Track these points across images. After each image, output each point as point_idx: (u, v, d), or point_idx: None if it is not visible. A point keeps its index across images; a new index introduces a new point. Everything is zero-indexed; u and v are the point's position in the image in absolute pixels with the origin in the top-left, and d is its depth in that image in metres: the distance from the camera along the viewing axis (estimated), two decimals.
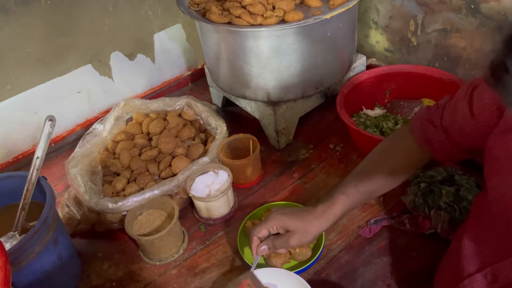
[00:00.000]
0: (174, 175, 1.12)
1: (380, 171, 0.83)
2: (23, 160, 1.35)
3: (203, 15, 1.15)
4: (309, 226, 0.82)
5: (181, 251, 1.03)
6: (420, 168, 0.86)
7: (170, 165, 1.15)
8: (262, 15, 1.09)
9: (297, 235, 0.81)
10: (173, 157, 1.17)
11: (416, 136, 0.81)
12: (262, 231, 0.85)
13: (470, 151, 0.76)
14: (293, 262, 0.95)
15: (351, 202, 0.82)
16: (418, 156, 0.83)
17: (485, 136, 0.68)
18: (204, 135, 1.27)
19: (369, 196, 0.85)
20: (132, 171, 1.16)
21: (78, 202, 1.07)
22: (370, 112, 1.31)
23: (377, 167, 0.84)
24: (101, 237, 1.09)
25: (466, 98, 0.71)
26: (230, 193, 1.09)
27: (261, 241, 0.86)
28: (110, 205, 1.02)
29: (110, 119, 1.24)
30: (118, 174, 1.17)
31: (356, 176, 0.84)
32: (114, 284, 0.99)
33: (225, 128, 1.20)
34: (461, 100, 0.72)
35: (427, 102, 1.27)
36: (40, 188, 0.92)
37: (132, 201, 1.02)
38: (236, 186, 1.16)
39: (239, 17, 1.09)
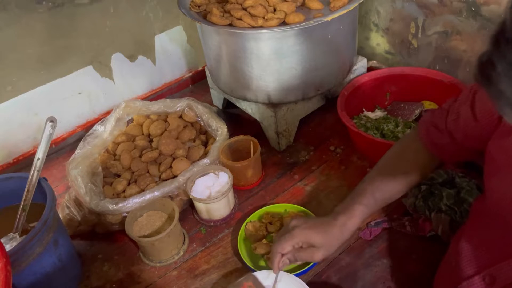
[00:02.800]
0: (174, 176, 1.12)
1: (393, 177, 0.83)
2: (24, 161, 1.35)
3: (204, 17, 1.16)
4: (334, 241, 0.80)
5: (181, 253, 1.03)
6: (432, 171, 0.86)
7: (170, 167, 1.15)
8: (263, 17, 1.09)
9: (323, 250, 0.79)
10: (174, 159, 1.17)
11: (423, 141, 0.82)
12: (287, 248, 0.80)
13: (476, 152, 0.77)
14: (293, 264, 0.95)
15: (369, 212, 0.82)
16: (428, 160, 0.84)
17: (488, 137, 0.69)
18: (205, 137, 1.27)
19: (385, 203, 0.85)
20: (133, 173, 1.16)
21: (78, 203, 1.07)
22: (370, 114, 1.31)
23: (390, 173, 0.84)
24: (101, 239, 1.09)
25: (468, 102, 0.72)
26: (231, 195, 1.09)
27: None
28: (111, 207, 1.02)
29: (111, 121, 1.24)
30: (118, 176, 1.17)
31: (371, 183, 0.84)
32: (114, 285, 0.99)
33: (225, 130, 1.20)
34: (464, 103, 0.73)
35: (428, 104, 1.27)
36: (41, 189, 0.92)
37: (133, 202, 1.02)
38: (237, 188, 1.16)
39: (240, 19, 1.09)
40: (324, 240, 0.79)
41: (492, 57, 0.38)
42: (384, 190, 0.83)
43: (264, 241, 0.99)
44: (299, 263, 0.84)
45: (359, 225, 0.81)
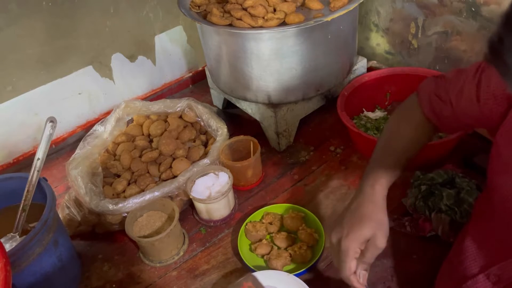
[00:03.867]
0: (174, 177, 1.12)
1: (401, 137, 0.82)
2: (24, 162, 1.35)
3: (204, 17, 1.16)
4: (379, 217, 0.73)
5: (181, 253, 1.03)
6: (430, 140, 0.85)
7: (170, 167, 1.15)
8: (263, 17, 1.09)
9: (378, 234, 0.71)
10: (174, 159, 1.17)
11: (424, 109, 0.81)
12: (353, 266, 0.72)
13: (475, 127, 0.77)
14: (293, 264, 0.95)
15: (391, 170, 0.77)
16: (425, 130, 0.83)
17: (486, 121, 0.69)
18: (205, 137, 1.27)
19: (402, 156, 0.81)
20: (133, 173, 1.16)
21: (78, 203, 1.07)
22: (370, 115, 1.31)
23: (396, 135, 0.83)
24: (101, 239, 1.09)
25: (475, 81, 0.70)
26: (231, 195, 1.09)
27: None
28: (111, 207, 1.02)
29: (111, 121, 1.24)
30: (118, 176, 1.17)
31: (381, 147, 0.83)
32: (114, 285, 0.99)
33: (225, 130, 1.20)
34: (470, 81, 0.71)
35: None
36: (41, 189, 0.92)
37: (133, 202, 1.02)
38: (237, 188, 1.16)
39: (240, 19, 1.09)
40: (371, 225, 0.72)
41: (501, 33, 0.40)
42: (394, 146, 0.81)
43: (264, 241, 1.00)
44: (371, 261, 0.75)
45: (387, 186, 0.76)
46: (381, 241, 0.71)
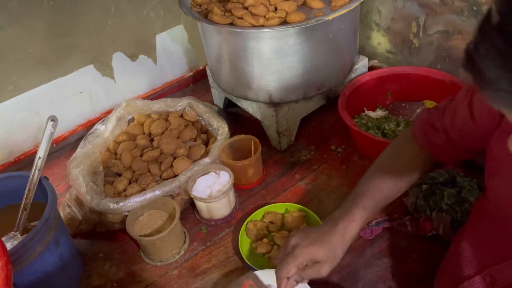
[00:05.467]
0: (175, 176, 1.12)
1: (391, 178, 0.82)
2: (25, 160, 1.35)
3: (205, 16, 1.16)
4: (338, 252, 0.77)
5: (182, 252, 1.03)
6: (427, 170, 0.86)
7: (171, 166, 1.15)
8: (264, 16, 1.09)
9: (328, 263, 0.76)
10: (175, 158, 1.17)
11: (418, 140, 0.81)
12: (292, 271, 0.75)
13: (471, 152, 0.77)
14: None
15: (368, 215, 0.80)
16: (424, 159, 0.83)
17: (485, 138, 0.68)
18: (206, 136, 1.27)
19: (384, 204, 0.84)
20: (134, 172, 1.16)
21: (79, 202, 1.07)
22: (371, 114, 1.31)
23: (387, 174, 0.83)
24: (102, 238, 1.09)
25: (466, 101, 0.71)
26: (231, 194, 1.09)
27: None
28: (112, 206, 1.02)
29: (112, 120, 1.25)
30: (119, 175, 1.17)
31: (369, 185, 0.82)
32: (115, 284, 0.99)
33: (226, 129, 1.20)
34: (461, 103, 0.72)
35: (429, 103, 1.27)
36: (42, 188, 0.92)
37: (134, 201, 1.02)
38: (238, 187, 1.16)
39: (241, 18, 1.09)
40: (328, 253, 0.76)
41: (476, 42, 0.40)
42: (382, 191, 0.82)
43: (265, 240, 0.99)
44: (305, 281, 0.80)
45: (359, 229, 0.79)
46: (325, 271, 0.76)
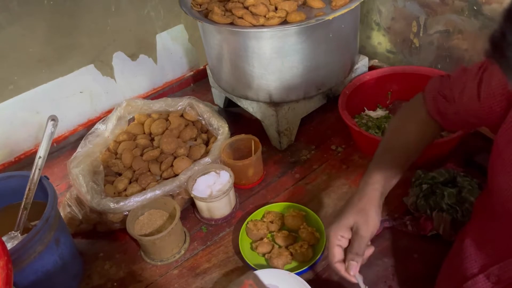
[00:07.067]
0: (175, 175, 1.12)
1: (398, 150, 0.84)
2: (25, 160, 1.35)
3: (206, 15, 1.16)
4: (363, 207, 0.76)
5: (183, 252, 1.03)
6: (433, 141, 0.87)
7: (172, 166, 1.15)
8: (265, 16, 1.09)
9: (360, 223, 0.74)
10: (175, 158, 1.17)
11: (429, 107, 0.83)
12: (336, 253, 0.75)
13: (478, 125, 0.78)
14: (294, 263, 0.95)
15: (386, 172, 0.79)
16: (431, 129, 0.85)
17: (486, 120, 0.70)
18: (206, 136, 1.27)
19: (403, 167, 0.83)
20: (134, 171, 1.16)
21: (79, 202, 1.07)
22: (372, 113, 1.31)
23: (395, 146, 0.84)
24: (102, 237, 1.09)
25: (476, 79, 0.71)
26: (232, 193, 1.09)
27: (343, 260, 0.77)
28: (112, 205, 1.02)
29: (112, 119, 1.25)
30: (120, 174, 1.18)
31: (380, 156, 0.84)
32: (115, 284, 0.99)
33: (227, 128, 1.20)
34: (472, 80, 0.73)
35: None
36: (42, 187, 0.92)
37: (134, 201, 1.03)
38: (238, 186, 1.16)
39: (241, 17, 1.09)
40: (353, 213, 0.75)
41: (504, 28, 0.40)
42: (396, 144, 0.83)
43: (265, 240, 0.99)
44: (369, 252, 0.78)
45: (380, 190, 0.77)
46: (363, 230, 0.74)
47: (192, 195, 1.06)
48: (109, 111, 1.40)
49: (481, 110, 0.70)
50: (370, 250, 0.78)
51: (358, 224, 0.75)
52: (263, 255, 0.98)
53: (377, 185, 0.78)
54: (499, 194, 0.66)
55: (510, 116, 0.64)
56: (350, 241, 0.77)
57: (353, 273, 0.75)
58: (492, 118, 0.69)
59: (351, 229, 0.76)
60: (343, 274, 0.75)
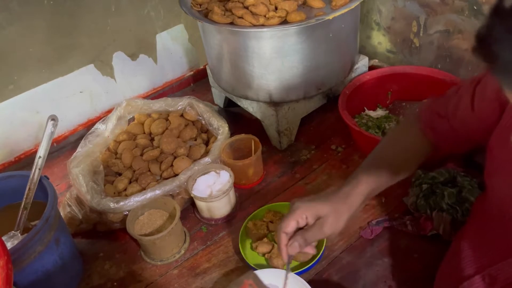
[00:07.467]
0: (175, 175, 1.12)
1: (387, 162, 0.82)
2: (25, 160, 1.35)
3: (206, 15, 1.16)
4: (341, 207, 0.74)
5: (183, 251, 1.03)
6: (425, 158, 0.85)
7: (172, 165, 1.15)
8: (265, 16, 1.09)
9: (330, 219, 0.72)
10: (175, 158, 1.17)
11: (423, 125, 0.82)
12: (291, 224, 0.73)
13: (472, 143, 0.77)
14: (294, 263, 0.95)
15: (374, 182, 0.78)
16: (423, 145, 0.83)
17: (484, 130, 0.69)
18: (206, 136, 1.27)
19: (386, 182, 0.81)
20: (134, 171, 1.16)
21: (79, 201, 1.07)
22: (372, 113, 1.30)
23: (384, 158, 0.83)
24: (102, 237, 1.09)
25: (469, 92, 0.72)
26: (232, 193, 1.09)
27: (289, 238, 0.75)
28: (112, 205, 1.02)
29: (112, 119, 1.25)
30: (120, 174, 1.18)
31: (370, 165, 0.82)
32: (115, 284, 0.99)
33: (227, 128, 1.20)
34: (466, 93, 0.73)
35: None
36: (42, 187, 0.92)
37: (134, 201, 1.03)
38: (238, 186, 1.16)
39: (241, 17, 1.09)
40: (331, 208, 0.73)
41: (490, 25, 0.40)
42: (383, 171, 0.80)
43: (265, 239, 0.99)
44: (309, 252, 0.77)
45: (362, 201, 0.76)
46: (327, 227, 0.72)
47: (192, 195, 1.06)
48: (109, 111, 1.40)
49: (476, 121, 0.70)
50: (311, 250, 0.77)
51: (327, 219, 0.72)
52: (263, 255, 0.98)
53: (360, 197, 0.76)
54: (494, 195, 0.66)
55: (503, 119, 0.64)
56: (307, 226, 0.75)
57: (291, 253, 0.74)
58: (485, 126, 0.68)
59: (318, 217, 0.74)
60: (282, 246, 0.75)
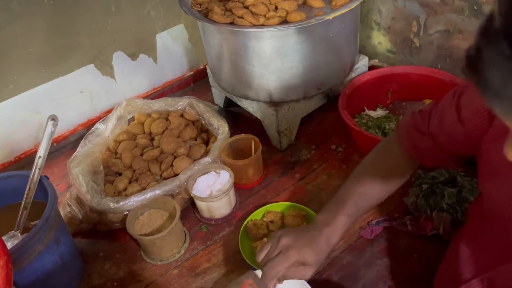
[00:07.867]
0: (175, 175, 1.12)
1: (375, 184, 0.81)
2: (25, 160, 1.35)
3: (206, 15, 1.16)
4: (322, 256, 0.77)
5: (183, 251, 1.03)
6: (412, 175, 0.85)
7: (172, 165, 1.15)
8: (265, 16, 1.09)
9: (314, 268, 0.75)
10: (175, 157, 1.17)
11: (404, 144, 0.80)
12: (282, 271, 0.74)
13: (459, 157, 0.76)
14: None
15: (351, 222, 0.80)
16: (407, 164, 0.82)
17: (475, 141, 0.67)
18: (206, 136, 1.27)
19: (367, 210, 0.85)
20: (134, 171, 1.16)
21: (79, 201, 1.07)
22: (372, 113, 1.31)
23: (371, 180, 0.82)
24: (102, 237, 1.09)
25: (453, 105, 0.69)
26: (232, 193, 1.09)
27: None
28: (112, 205, 1.02)
29: (112, 119, 1.25)
30: (120, 174, 1.18)
31: (353, 192, 0.81)
32: (115, 284, 0.99)
33: (227, 128, 1.20)
34: (448, 107, 0.71)
35: (429, 103, 1.27)
36: (42, 187, 0.92)
37: (134, 201, 1.03)
38: (238, 186, 1.16)
39: (241, 17, 1.09)
40: (316, 257, 0.76)
41: (479, 46, 0.38)
42: (365, 198, 0.81)
43: (265, 239, 0.99)
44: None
45: (342, 235, 0.79)
46: (310, 274, 0.75)
47: (192, 195, 1.06)
48: (109, 111, 1.40)
49: (467, 134, 0.68)
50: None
51: (312, 269, 0.75)
52: None
53: (338, 237, 0.78)
54: (489, 200, 0.65)
55: (494, 125, 0.63)
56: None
57: None
58: (476, 136, 0.67)
59: (302, 263, 0.76)
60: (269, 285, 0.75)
